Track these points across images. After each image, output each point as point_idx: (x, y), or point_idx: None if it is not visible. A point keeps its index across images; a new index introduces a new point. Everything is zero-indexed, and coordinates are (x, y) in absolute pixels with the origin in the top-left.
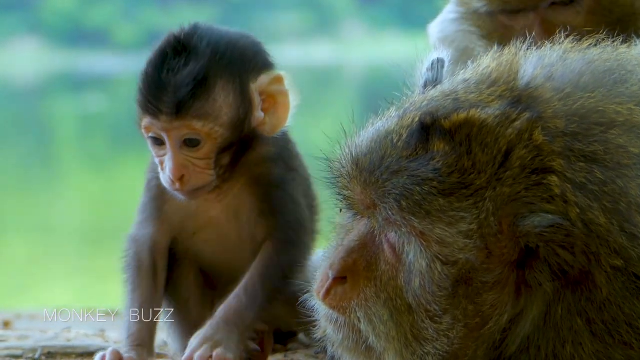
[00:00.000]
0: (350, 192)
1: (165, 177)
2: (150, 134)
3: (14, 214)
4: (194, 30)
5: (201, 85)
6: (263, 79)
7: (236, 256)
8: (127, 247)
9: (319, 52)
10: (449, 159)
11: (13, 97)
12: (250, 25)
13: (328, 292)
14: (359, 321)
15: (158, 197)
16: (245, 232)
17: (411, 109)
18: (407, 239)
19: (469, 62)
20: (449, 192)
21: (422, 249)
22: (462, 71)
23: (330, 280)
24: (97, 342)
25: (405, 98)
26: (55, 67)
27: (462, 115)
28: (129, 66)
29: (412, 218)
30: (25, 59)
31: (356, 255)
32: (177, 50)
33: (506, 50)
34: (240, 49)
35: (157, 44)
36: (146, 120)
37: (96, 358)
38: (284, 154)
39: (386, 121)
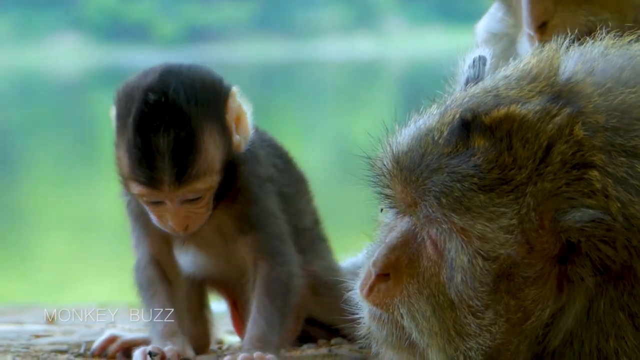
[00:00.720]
0: (391, 190)
1: (165, 225)
2: (145, 199)
3: (56, 209)
4: (167, 83)
5: (195, 146)
6: (231, 104)
7: (224, 266)
8: (134, 273)
9: (361, 47)
10: (489, 155)
11: (54, 92)
12: (291, 20)
13: (371, 290)
14: (402, 318)
15: (140, 215)
16: (229, 246)
17: (452, 105)
18: (448, 235)
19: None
20: (489, 188)
21: (463, 245)
22: (504, 68)
23: (373, 278)
24: (141, 336)
25: (446, 95)
26: (96, 62)
27: (503, 111)
28: (169, 60)
29: (453, 215)
30: (66, 54)
31: (399, 252)
32: (160, 113)
33: (547, 47)
34: (209, 84)
35: (131, 105)
36: (140, 190)
37: (136, 353)
38: (254, 167)
39: (427, 118)
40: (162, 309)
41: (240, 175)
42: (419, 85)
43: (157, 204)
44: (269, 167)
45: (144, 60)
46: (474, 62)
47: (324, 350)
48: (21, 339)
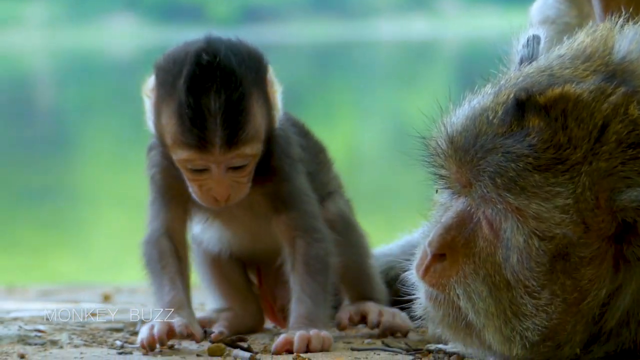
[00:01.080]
0: (446, 171)
1: (205, 197)
2: (190, 166)
3: (111, 188)
4: (217, 48)
5: (246, 110)
6: (270, 76)
7: (250, 244)
8: (143, 246)
9: (415, 27)
10: (544, 135)
11: (109, 73)
12: (345, 0)
13: (427, 270)
14: (458, 298)
15: (165, 189)
16: (260, 225)
17: (506, 85)
18: (503, 215)
19: (565, 38)
20: (544, 168)
21: (519, 224)
22: (558, 47)
23: (429, 258)
24: (197, 315)
25: (500, 74)
26: (150, 43)
27: (557, 90)
28: None
29: (508, 195)
30: (121, 34)
31: (454, 232)
32: (213, 74)
33: (601, 26)
34: (253, 54)
35: (181, 68)
36: (188, 154)
37: (143, 330)
38: (286, 147)
39: (481, 98)
40: (171, 282)
41: (274, 154)
42: (473, 65)
43: (200, 172)
44: (297, 148)
45: None
46: (527, 41)
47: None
48: (77, 317)
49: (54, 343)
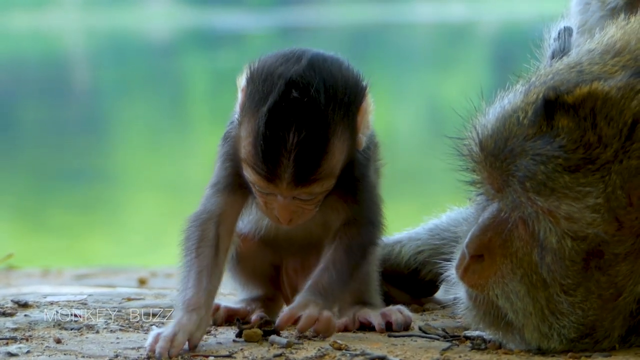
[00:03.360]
0: (478, 175)
1: (268, 214)
2: (257, 187)
3: (147, 171)
4: (310, 80)
5: (324, 151)
6: (364, 107)
7: (300, 231)
8: (189, 222)
9: (453, 10)
10: (573, 135)
11: (146, 54)
12: None
13: (466, 271)
14: (497, 298)
15: (233, 176)
16: (318, 216)
17: (536, 83)
18: (536, 218)
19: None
20: (574, 168)
21: (551, 226)
22: (588, 41)
23: (467, 259)
24: (234, 299)
25: (533, 68)
26: (188, 24)
27: (585, 89)
28: (261, 23)
29: (537, 197)
30: (158, 15)
31: (491, 233)
32: (297, 111)
33: (632, 19)
34: (351, 85)
35: (269, 92)
36: (255, 178)
37: (151, 336)
38: (363, 151)
39: (512, 96)
40: (197, 278)
41: (354, 164)
42: (510, 48)
43: (267, 194)
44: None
45: (236, 22)
46: (559, 34)
47: (415, 315)
48: (113, 302)
49: (90, 328)
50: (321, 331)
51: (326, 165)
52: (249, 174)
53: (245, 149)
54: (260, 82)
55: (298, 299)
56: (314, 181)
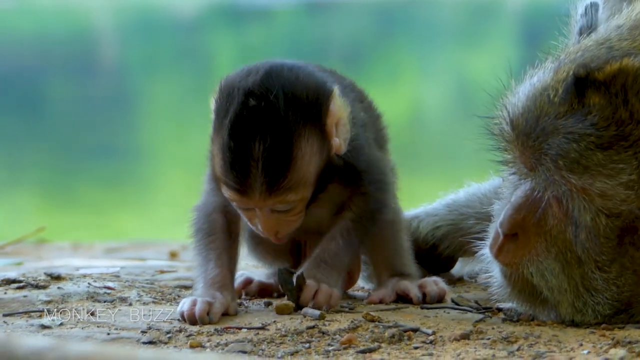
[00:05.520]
0: (510, 154)
1: (255, 228)
2: (234, 204)
3: (175, 146)
4: (269, 87)
5: (291, 157)
6: (332, 109)
7: (313, 218)
8: (194, 216)
9: None
10: (605, 112)
11: (174, 31)
12: None
13: (500, 249)
14: (532, 276)
15: (220, 197)
16: (326, 205)
17: (566, 60)
18: (569, 196)
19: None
20: (607, 145)
21: (585, 203)
22: (616, 16)
23: (501, 238)
24: (264, 271)
25: (561, 46)
26: (215, 0)
27: (616, 65)
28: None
29: (571, 175)
30: None
31: (525, 212)
32: (257, 119)
33: None
34: (312, 89)
35: (229, 106)
36: (230, 194)
37: (186, 303)
38: (352, 141)
39: (542, 74)
40: (217, 259)
41: (340, 163)
42: (539, 23)
43: (247, 210)
44: (359, 113)
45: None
46: (586, 10)
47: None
48: (145, 275)
49: (123, 300)
50: (320, 304)
51: (295, 172)
52: (225, 190)
53: (217, 165)
54: (224, 98)
55: (303, 269)
56: (286, 189)
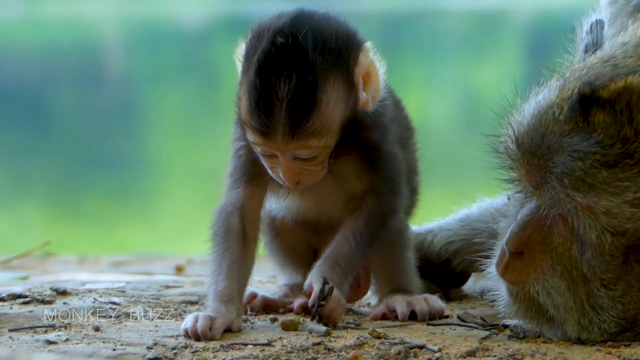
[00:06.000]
0: (515, 173)
1: (277, 178)
2: (257, 149)
3: (182, 158)
4: (299, 27)
5: (316, 98)
6: (362, 60)
7: (329, 208)
8: (215, 216)
9: None
10: (610, 130)
11: (181, 42)
12: None
13: (506, 268)
14: (538, 294)
15: (248, 164)
16: (341, 188)
17: (571, 78)
18: (575, 213)
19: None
20: (612, 163)
21: (591, 221)
22: (622, 34)
23: (507, 256)
24: (271, 288)
25: (566, 63)
26: (222, 11)
27: (620, 83)
28: (304, 6)
29: (576, 194)
30: (193, 3)
31: (530, 230)
32: (285, 57)
33: None
34: (342, 35)
35: (258, 45)
36: (253, 137)
37: (189, 319)
38: (378, 114)
39: (547, 92)
40: (228, 270)
41: (364, 125)
42: (544, 36)
43: (269, 157)
44: (389, 107)
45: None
46: (591, 27)
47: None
48: (151, 290)
49: (128, 316)
50: (326, 311)
51: (319, 114)
52: (248, 134)
53: (242, 107)
54: (253, 39)
55: (315, 272)
56: (309, 133)
